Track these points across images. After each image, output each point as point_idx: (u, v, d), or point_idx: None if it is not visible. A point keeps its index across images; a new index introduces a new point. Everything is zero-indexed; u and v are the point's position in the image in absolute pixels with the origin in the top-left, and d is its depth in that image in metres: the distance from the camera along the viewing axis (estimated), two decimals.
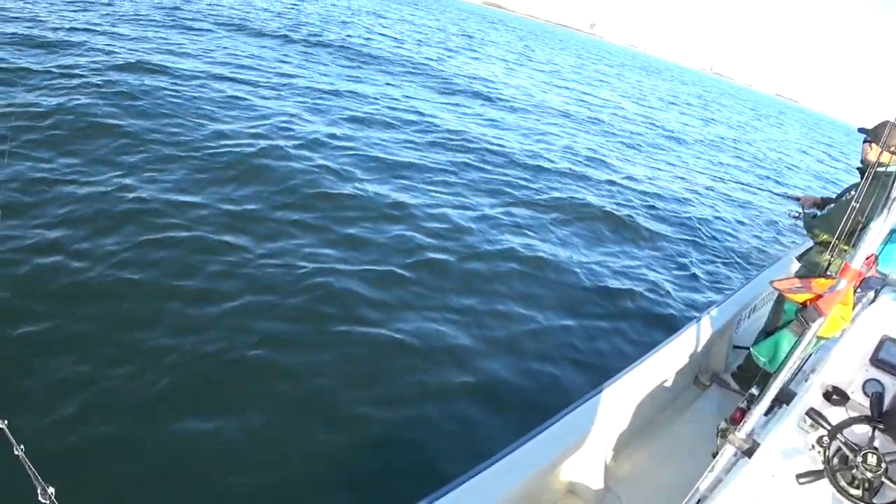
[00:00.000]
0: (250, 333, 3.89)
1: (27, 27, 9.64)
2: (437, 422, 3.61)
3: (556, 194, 8.35)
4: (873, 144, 3.11)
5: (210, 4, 18.38)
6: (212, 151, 6.55)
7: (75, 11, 12.00)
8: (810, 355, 2.50)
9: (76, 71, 8.07)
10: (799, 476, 1.52)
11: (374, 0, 43.39)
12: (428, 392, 3.81)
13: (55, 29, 10.01)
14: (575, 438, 2.47)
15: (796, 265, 3.85)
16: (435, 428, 3.57)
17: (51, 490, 1.53)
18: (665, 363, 3.13)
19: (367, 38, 20.23)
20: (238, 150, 6.77)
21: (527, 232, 6.73)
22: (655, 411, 3.43)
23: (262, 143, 7.19)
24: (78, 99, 7.05)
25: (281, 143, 7.37)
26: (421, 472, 3.20)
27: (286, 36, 15.99)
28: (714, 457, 1.87)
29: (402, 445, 3.39)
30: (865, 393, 1.85)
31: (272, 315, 4.14)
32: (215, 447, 3.06)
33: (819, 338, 2.06)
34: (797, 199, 4.20)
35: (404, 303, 4.68)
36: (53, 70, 7.89)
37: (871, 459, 1.47)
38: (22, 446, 1.67)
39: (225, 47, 12.44)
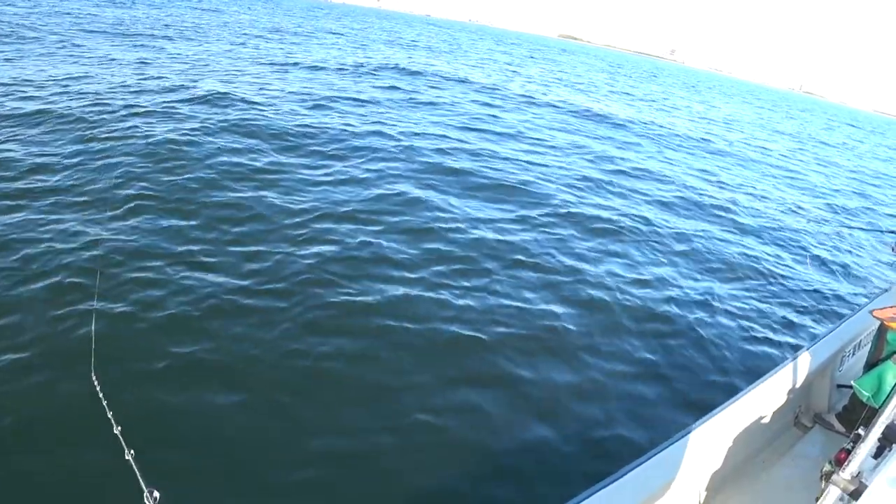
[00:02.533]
0: None
1: None
2: (521, 456, 3.62)
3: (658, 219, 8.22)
4: None
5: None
6: None
7: None
8: None
9: None
10: None
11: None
12: (512, 426, 3.83)
13: None
14: (664, 481, 2.39)
15: None
16: (520, 463, 3.59)
17: (156, 494, 1.65)
18: (762, 402, 2.98)
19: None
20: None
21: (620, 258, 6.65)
22: (752, 453, 3.25)
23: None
24: None
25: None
26: None
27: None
28: (817, 501, 1.77)
29: (479, 480, 3.41)
30: None
31: None
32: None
33: None
34: None
35: None
36: None
37: None
38: (132, 451, 1.83)
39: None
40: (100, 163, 6.91)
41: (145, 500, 1.64)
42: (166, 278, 4.78)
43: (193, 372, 3.83)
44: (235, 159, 7.83)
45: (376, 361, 4.23)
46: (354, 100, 13.47)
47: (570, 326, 5.15)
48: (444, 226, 6.78)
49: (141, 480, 1.70)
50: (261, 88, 12.80)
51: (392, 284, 5.27)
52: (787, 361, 3.30)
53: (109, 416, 2.04)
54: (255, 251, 5.46)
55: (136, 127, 8.50)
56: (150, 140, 7.95)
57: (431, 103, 14.99)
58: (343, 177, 7.94)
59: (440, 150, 10.21)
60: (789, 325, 6.25)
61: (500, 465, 3.55)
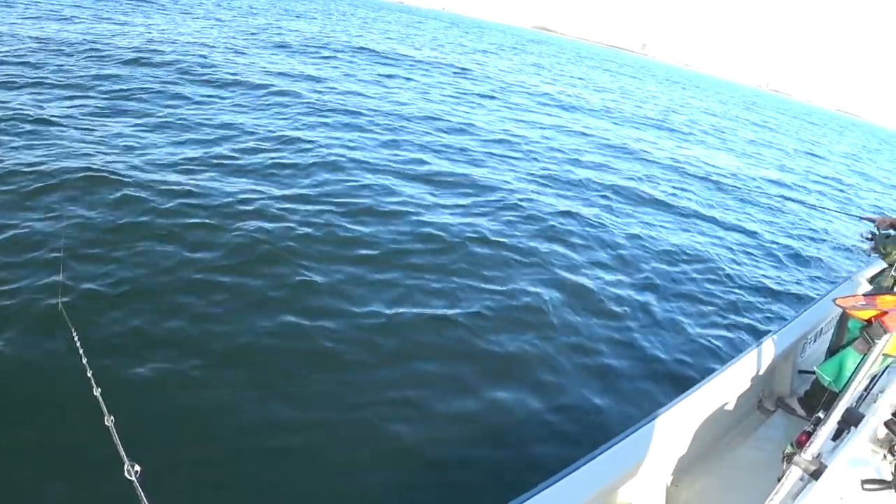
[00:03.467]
0: None
1: None
2: (491, 442, 3.66)
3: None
4: None
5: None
6: None
7: None
8: (878, 376, 2.42)
9: None
10: (864, 482, 1.48)
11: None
12: (484, 411, 3.87)
13: None
14: (633, 463, 2.43)
15: (865, 286, 3.72)
16: (492, 448, 3.63)
17: (137, 468, 1.60)
18: (726, 387, 3.05)
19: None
20: None
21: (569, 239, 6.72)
22: (717, 436, 3.34)
23: None
24: None
25: None
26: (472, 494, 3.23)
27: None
28: (779, 481, 1.82)
29: (452, 468, 3.44)
30: None
31: None
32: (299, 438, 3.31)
33: (886, 356, 1.99)
34: (872, 220, 4.07)
35: None
36: None
37: None
38: (112, 418, 1.78)
39: None
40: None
41: (125, 474, 1.60)
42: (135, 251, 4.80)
43: (155, 344, 3.85)
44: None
45: (344, 337, 4.28)
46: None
47: (530, 306, 5.25)
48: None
49: (122, 452, 1.67)
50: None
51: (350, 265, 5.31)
52: (752, 347, 3.38)
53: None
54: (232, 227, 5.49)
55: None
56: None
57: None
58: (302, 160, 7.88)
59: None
60: (754, 310, 6.42)
61: (463, 455, 3.57)
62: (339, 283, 4.97)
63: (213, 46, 15.19)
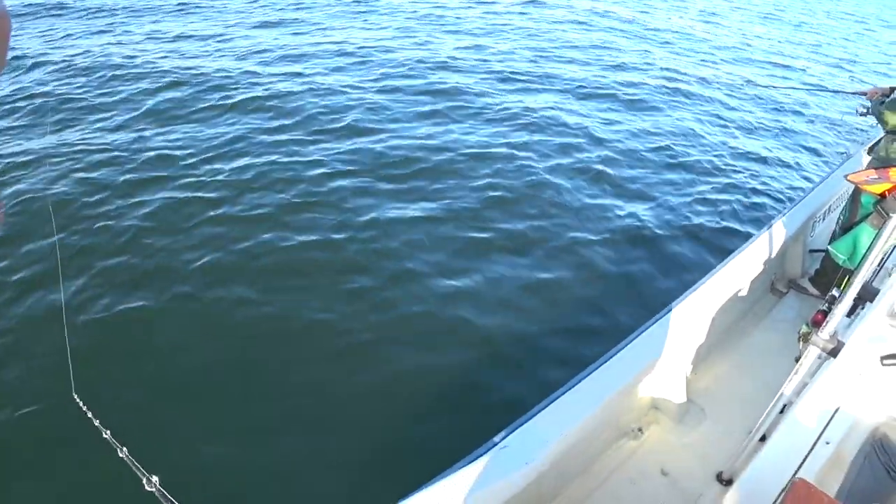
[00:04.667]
0: None
1: None
2: (515, 354, 3.77)
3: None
4: None
5: None
6: None
7: None
8: (893, 249, 2.42)
9: None
10: (883, 357, 1.51)
11: None
12: (504, 326, 3.96)
13: None
14: (653, 355, 2.49)
15: (868, 159, 3.65)
16: (514, 360, 3.74)
17: (154, 479, 1.66)
18: (739, 272, 3.07)
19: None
20: None
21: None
22: (732, 321, 3.40)
23: None
24: None
25: None
26: (502, 402, 3.36)
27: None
28: (797, 361, 1.86)
29: (475, 387, 3.54)
30: None
31: None
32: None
33: None
34: (864, 93, 3.93)
35: None
36: None
37: None
38: (125, 448, 1.82)
39: None
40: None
41: (145, 486, 1.64)
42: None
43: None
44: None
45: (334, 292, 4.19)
46: None
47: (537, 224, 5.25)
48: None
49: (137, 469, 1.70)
50: None
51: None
52: (762, 231, 3.37)
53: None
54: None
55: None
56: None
57: None
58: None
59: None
60: (765, 195, 6.40)
61: (493, 354, 3.72)
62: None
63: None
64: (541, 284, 4.36)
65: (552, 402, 2.16)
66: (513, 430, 2.01)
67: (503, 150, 6.45)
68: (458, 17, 12.90)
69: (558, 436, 2.04)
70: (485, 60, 9.84)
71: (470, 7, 14.27)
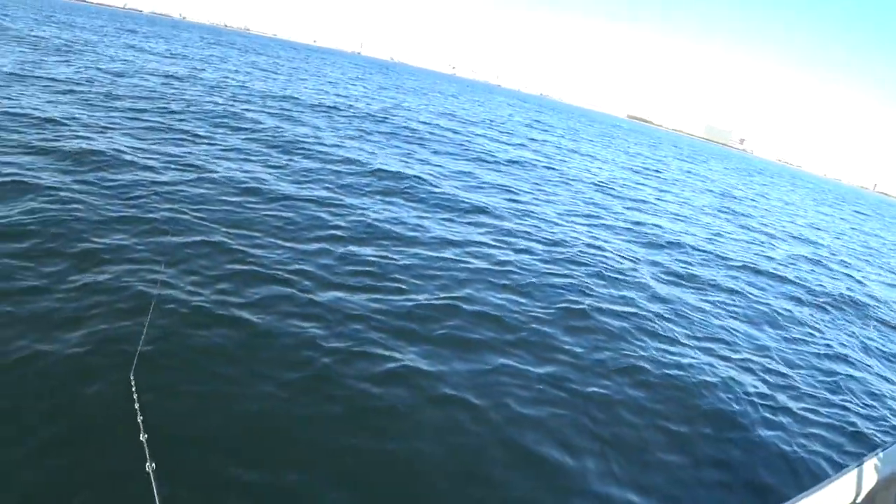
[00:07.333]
0: None
1: None
2: None
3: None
4: None
5: None
6: None
7: None
8: None
9: None
10: None
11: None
12: None
13: None
14: None
15: None
16: None
17: (152, 465, 1.76)
18: None
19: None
20: None
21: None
22: None
23: None
24: None
25: None
26: None
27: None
28: None
29: None
30: None
31: None
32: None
33: None
34: None
35: None
36: None
37: None
38: (146, 435, 1.92)
39: None
40: None
41: (146, 468, 1.79)
42: None
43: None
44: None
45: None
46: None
47: None
48: None
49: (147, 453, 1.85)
50: None
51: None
52: (850, 468, 2.93)
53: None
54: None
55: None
56: None
57: None
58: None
59: None
60: (853, 426, 5.68)
61: None
62: None
63: None
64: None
65: None
66: None
67: None
68: None
69: None
70: None
71: None
